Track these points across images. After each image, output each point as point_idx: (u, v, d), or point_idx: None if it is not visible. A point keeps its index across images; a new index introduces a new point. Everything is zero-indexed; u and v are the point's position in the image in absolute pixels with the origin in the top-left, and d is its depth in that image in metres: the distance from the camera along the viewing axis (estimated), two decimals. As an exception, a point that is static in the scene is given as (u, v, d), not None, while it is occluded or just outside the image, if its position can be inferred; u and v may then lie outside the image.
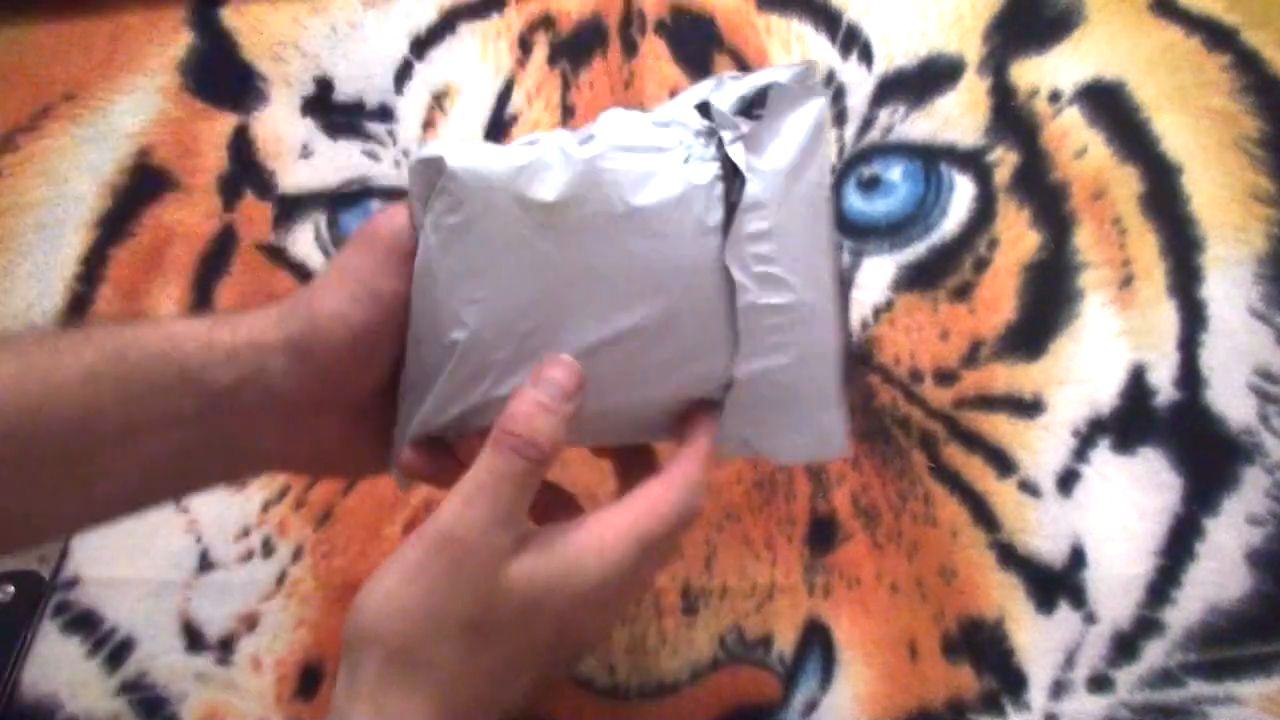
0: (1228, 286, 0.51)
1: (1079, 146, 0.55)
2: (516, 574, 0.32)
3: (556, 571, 0.32)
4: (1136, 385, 0.50)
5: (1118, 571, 0.47)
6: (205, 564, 0.52)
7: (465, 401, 0.36)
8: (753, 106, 0.36)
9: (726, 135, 0.36)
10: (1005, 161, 0.55)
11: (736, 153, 0.35)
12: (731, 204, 0.35)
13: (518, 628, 0.32)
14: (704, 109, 0.37)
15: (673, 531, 0.34)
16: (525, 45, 0.62)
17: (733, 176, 0.35)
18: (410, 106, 0.62)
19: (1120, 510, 0.48)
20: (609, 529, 0.33)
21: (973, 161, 0.55)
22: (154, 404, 0.33)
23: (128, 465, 0.34)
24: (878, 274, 0.54)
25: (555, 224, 0.34)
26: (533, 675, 0.34)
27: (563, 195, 0.34)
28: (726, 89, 0.37)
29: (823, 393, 0.38)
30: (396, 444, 0.37)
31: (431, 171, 0.35)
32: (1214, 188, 0.53)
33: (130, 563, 0.53)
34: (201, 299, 0.59)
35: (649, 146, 0.35)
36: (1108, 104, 0.55)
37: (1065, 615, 0.46)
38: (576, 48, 0.62)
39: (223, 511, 0.53)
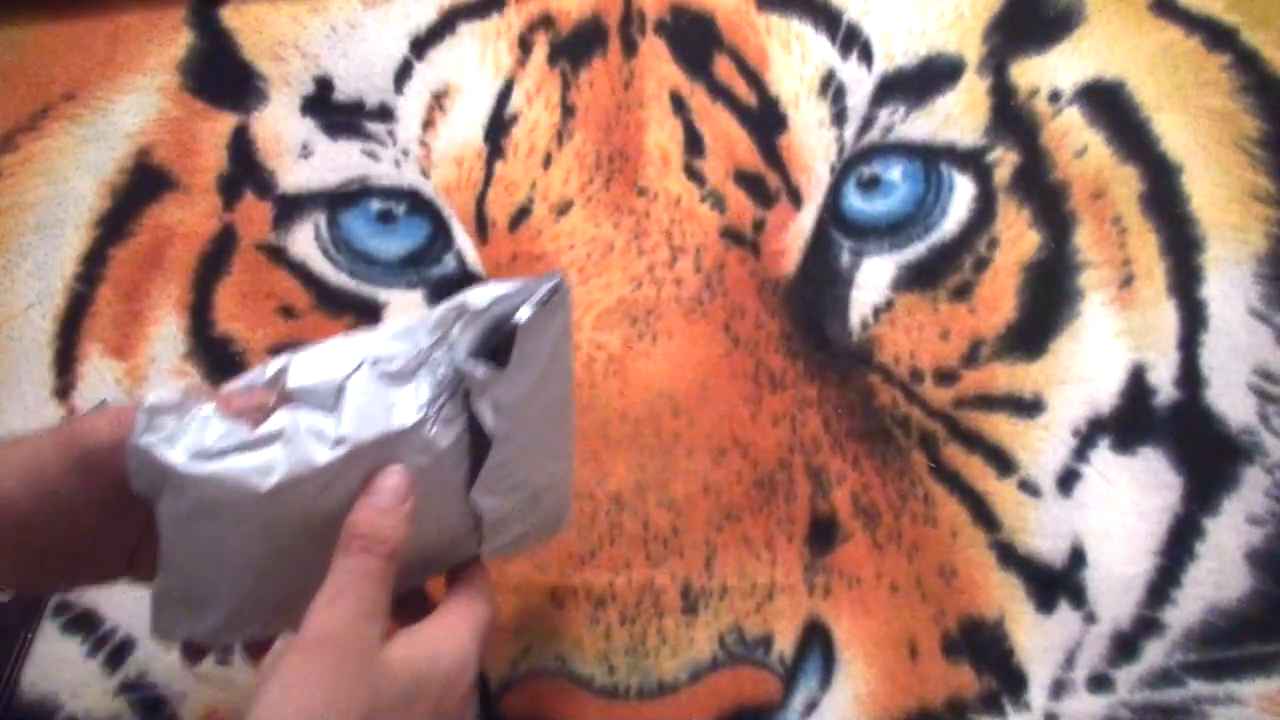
0: (1228, 286, 0.51)
1: (1079, 146, 0.55)
2: (391, 663, 0.35)
3: (426, 656, 0.36)
4: (1136, 385, 0.50)
5: (1118, 571, 0.47)
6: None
7: (242, 635, 0.39)
8: (498, 345, 0.38)
9: (472, 389, 0.37)
10: (1005, 161, 0.55)
11: (483, 411, 0.38)
12: (477, 451, 0.38)
13: (403, 711, 0.35)
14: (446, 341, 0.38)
15: (490, 624, 0.39)
16: (525, 45, 0.62)
17: (478, 424, 0.38)
18: (410, 106, 0.62)
19: (1120, 510, 0.48)
20: (453, 621, 0.38)
21: (973, 161, 0.55)
22: None
23: None
24: (878, 274, 0.54)
25: (280, 513, 0.36)
26: None
27: (284, 484, 0.35)
28: (469, 324, 0.38)
29: (554, 521, 0.45)
30: (166, 632, 0.39)
31: (155, 467, 0.35)
32: (1214, 187, 0.53)
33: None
34: (201, 299, 0.59)
35: (390, 432, 0.36)
36: (1108, 104, 0.55)
37: (1065, 615, 0.46)
38: (576, 47, 0.61)
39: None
